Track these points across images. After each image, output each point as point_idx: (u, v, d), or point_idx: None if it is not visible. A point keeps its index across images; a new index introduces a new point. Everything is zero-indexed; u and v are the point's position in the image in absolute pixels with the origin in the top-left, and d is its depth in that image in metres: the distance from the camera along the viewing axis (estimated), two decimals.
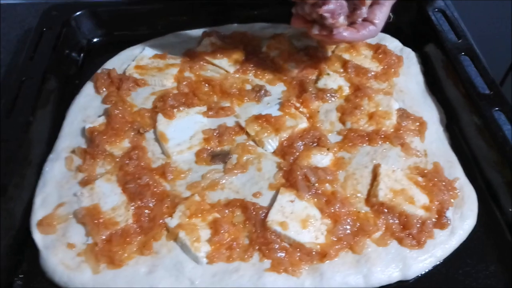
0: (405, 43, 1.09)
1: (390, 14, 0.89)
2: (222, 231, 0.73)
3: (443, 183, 0.80)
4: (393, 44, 1.08)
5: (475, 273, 0.73)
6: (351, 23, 0.85)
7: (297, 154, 0.84)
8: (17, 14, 1.23)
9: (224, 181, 0.82)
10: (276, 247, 0.73)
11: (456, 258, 0.74)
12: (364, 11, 0.82)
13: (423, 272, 0.73)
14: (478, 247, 0.76)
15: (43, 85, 0.94)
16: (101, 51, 1.09)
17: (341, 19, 0.82)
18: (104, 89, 0.98)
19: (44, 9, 1.07)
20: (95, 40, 1.12)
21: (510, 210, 0.78)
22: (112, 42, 1.11)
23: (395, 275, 0.71)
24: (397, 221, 0.76)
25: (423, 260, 0.73)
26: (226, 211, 0.77)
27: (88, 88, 0.99)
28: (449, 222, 0.76)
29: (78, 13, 1.08)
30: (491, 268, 0.73)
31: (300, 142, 0.86)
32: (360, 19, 0.84)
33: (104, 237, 0.74)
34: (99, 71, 1.01)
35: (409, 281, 0.72)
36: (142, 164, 0.84)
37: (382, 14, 0.86)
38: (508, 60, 1.99)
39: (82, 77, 1.04)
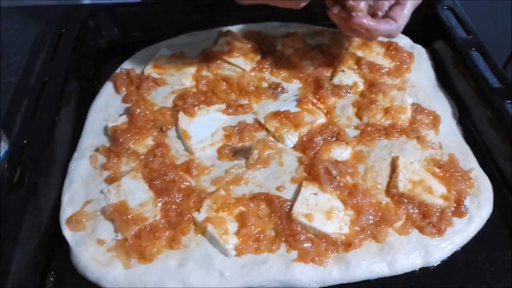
0: (415, 40, 1.12)
1: None
2: (249, 224, 0.75)
3: (459, 174, 0.83)
4: (403, 41, 1.11)
5: (493, 259, 0.75)
6: (372, 15, 0.86)
7: (317, 148, 0.87)
8: (29, 17, 1.24)
9: (247, 175, 0.84)
10: (302, 238, 0.75)
11: (475, 245, 0.77)
12: (386, 4, 0.84)
13: (444, 259, 0.75)
14: (495, 234, 0.78)
15: (65, 86, 0.95)
16: (118, 51, 1.11)
17: (362, 4, 0.83)
18: (124, 89, 1.00)
19: (62, 11, 1.08)
20: (112, 40, 1.13)
21: None
22: (129, 43, 1.12)
23: (417, 262, 0.74)
24: (417, 211, 0.79)
25: (444, 247, 0.75)
26: (252, 204, 0.79)
27: (108, 88, 1.01)
28: (467, 211, 0.78)
29: (94, 14, 1.09)
30: (508, 254, 0.76)
31: (320, 137, 0.88)
32: (380, 13, 0.86)
33: (133, 233, 0.76)
34: (117, 70, 1.03)
35: (430, 267, 0.75)
36: (166, 161, 0.85)
37: (403, 14, 0.87)
38: (507, 53, 2.04)
39: (100, 77, 1.06)
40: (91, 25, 1.09)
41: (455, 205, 0.79)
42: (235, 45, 1.07)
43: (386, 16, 0.87)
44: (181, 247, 0.75)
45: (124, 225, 0.76)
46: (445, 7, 1.10)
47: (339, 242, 0.74)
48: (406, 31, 1.11)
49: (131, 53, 1.09)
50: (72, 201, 0.81)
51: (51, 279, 0.74)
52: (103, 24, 1.11)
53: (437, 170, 0.84)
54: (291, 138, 0.90)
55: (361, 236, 0.75)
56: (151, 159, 0.85)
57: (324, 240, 0.75)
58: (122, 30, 1.13)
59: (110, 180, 0.83)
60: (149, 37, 1.11)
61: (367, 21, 0.85)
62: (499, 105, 0.89)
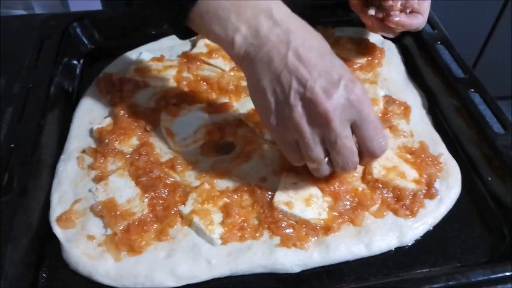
0: (384, 37, 1.18)
1: None
2: (233, 214, 0.79)
3: (430, 159, 0.88)
4: (374, 37, 1.16)
5: (462, 236, 0.80)
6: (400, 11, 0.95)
7: None
8: (10, 27, 1.26)
9: (230, 169, 0.88)
10: (284, 224, 0.79)
11: (445, 224, 0.82)
12: (416, 2, 0.93)
13: (417, 238, 0.80)
14: (464, 213, 0.83)
15: (49, 91, 0.98)
16: (100, 57, 1.14)
17: (399, 3, 0.92)
18: (107, 92, 1.03)
19: (42, 19, 1.11)
20: (93, 47, 1.16)
21: (489, 179, 0.87)
22: (110, 48, 1.15)
23: (393, 242, 0.79)
24: (391, 195, 0.83)
25: (417, 227, 0.80)
26: (235, 196, 0.83)
27: (92, 92, 1.03)
28: (437, 193, 0.84)
29: (76, 21, 1.12)
30: (476, 231, 0.81)
31: None
32: (409, 10, 0.94)
33: (122, 228, 0.79)
34: (100, 75, 1.06)
35: (405, 247, 0.79)
36: (151, 159, 0.89)
37: (426, 7, 0.96)
38: (478, 48, 2.13)
39: (84, 81, 1.08)
40: (72, 32, 1.11)
41: (426, 188, 0.84)
42: (214, 47, 1.11)
43: (412, 11, 0.95)
44: (169, 238, 0.78)
45: (113, 220, 0.79)
46: None
47: (318, 227, 0.79)
48: None
49: (113, 58, 1.12)
50: (61, 200, 0.83)
51: (44, 275, 0.76)
52: (84, 31, 1.14)
53: (408, 156, 0.89)
54: None
55: (339, 221, 0.79)
56: (137, 157, 0.89)
57: (304, 225, 0.79)
58: (104, 36, 1.16)
59: (97, 179, 0.86)
60: (130, 42, 1.15)
61: (404, 19, 0.94)
62: (464, 94, 0.95)
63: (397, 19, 0.93)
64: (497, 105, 0.91)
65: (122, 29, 1.17)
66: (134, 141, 0.93)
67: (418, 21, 0.96)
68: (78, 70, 1.11)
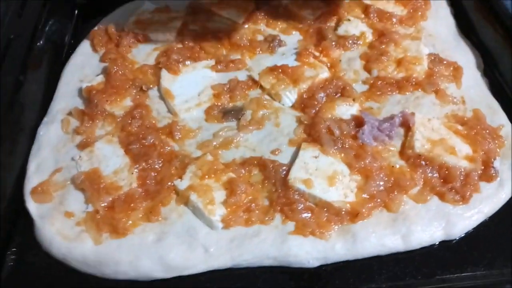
0: None
1: None
2: (238, 192, 0.65)
3: (487, 131, 0.71)
4: None
5: None
6: None
7: (319, 106, 0.76)
8: None
9: (238, 138, 0.74)
10: (300, 207, 0.65)
11: (505, 213, 0.66)
12: None
13: (469, 230, 0.64)
14: None
15: (34, 44, 0.86)
16: (96, 7, 1.00)
17: None
18: (102, 47, 0.89)
19: None
20: None
21: None
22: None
23: (437, 235, 0.63)
24: (437, 175, 0.68)
25: (469, 217, 0.65)
26: (243, 170, 0.69)
27: (85, 47, 0.91)
28: (497, 174, 0.67)
29: None
30: None
31: (322, 93, 0.78)
32: None
33: (105, 204, 0.66)
34: (95, 28, 0.92)
35: (453, 241, 0.64)
36: (146, 123, 0.75)
37: None
38: None
39: (77, 35, 0.96)
40: None
41: (483, 167, 0.68)
42: None
43: None
44: (161, 219, 0.65)
45: (96, 195, 0.67)
46: None
47: (343, 212, 0.64)
48: None
49: (110, 11, 0.97)
50: (39, 169, 0.72)
51: (12, 257, 0.65)
52: None
53: (460, 127, 0.73)
54: (290, 96, 0.79)
55: (370, 205, 0.65)
56: (129, 121, 0.75)
57: (326, 209, 0.65)
58: None
59: (82, 146, 0.74)
60: None
61: None
62: None
63: None
64: None
65: None
66: (128, 103, 0.80)
67: None
68: (71, 22, 0.97)
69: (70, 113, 0.79)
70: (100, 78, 0.83)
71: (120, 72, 0.82)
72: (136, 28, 0.91)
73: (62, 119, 0.78)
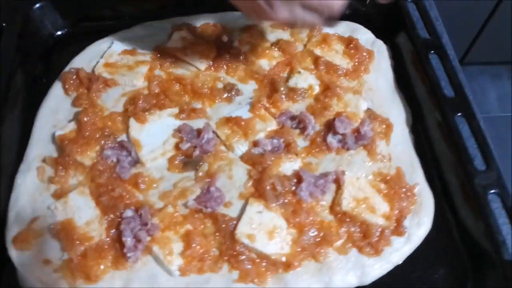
0: (377, 31, 1.09)
1: None
2: (194, 245, 0.77)
3: (404, 190, 0.84)
4: (365, 36, 1.07)
5: (425, 277, 0.79)
6: None
7: (268, 163, 0.85)
8: None
9: (195, 189, 0.84)
10: (244, 258, 0.77)
11: (410, 263, 0.80)
12: None
13: (378, 277, 0.79)
14: (430, 252, 0.81)
15: (9, 87, 0.92)
16: (67, 44, 1.06)
17: None
18: (74, 91, 0.96)
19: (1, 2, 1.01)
20: (59, 33, 1.07)
21: (462, 213, 0.83)
22: (78, 34, 1.07)
23: (353, 282, 0.77)
24: (358, 230, 0.81)
25: (380, 267, 0.78)
26: (196, 215, 0.80)
27: (57, 89, 0.97)
28: (406, 230, 0.81)
29: (38, 4, 1.02)
30: (440, 272, 0.80)
31: (268, 147, 0.88)
32: None
33: (79, 253, 0.76)
34: (66, 69, 0.99)
35: (365, 287, 0.78)
36: (114, 175, 0.85)
37: None
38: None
39: (49, 74, 1.01)
40: (35, 17, 1.02)
41: (395, 224, 0.81)
42: (190, 41, 1.02)
43: None
44: (127, 267, 0.77)
45: (70, 244, 0.77)
46: (410, 0, 1.05)
47: (279, 263, 0.77)
48: (370, 22, 1.08)
49: (81, 46, 1.03)
50: (18, 218, 0.81)
51: None
52: (48, 15, 1.04)
53: (382, 186, 0.85)
54: (241, 148, 0.89)
55: (301, 256, 0.78)
56: (97, 173, 0.85)
57: (265, 260, 0.77)
58: (70, 21, 1.07)
59: (57, 195, 0.83)
60: (100, 28, 1.06)
61: None
62: (450, 118, 0.88)
63: None
64: (483, 136, 0.85)
65: (91, 13, 1.08)
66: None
67: None
68: (43, 61, 1.03)
69: (44, 161, 0.88)
70: (72, 125, 0.90)
71: (91, 121, 0.90)
72: (105, 72, 0.98)
73: (37, 167, 0.86)
